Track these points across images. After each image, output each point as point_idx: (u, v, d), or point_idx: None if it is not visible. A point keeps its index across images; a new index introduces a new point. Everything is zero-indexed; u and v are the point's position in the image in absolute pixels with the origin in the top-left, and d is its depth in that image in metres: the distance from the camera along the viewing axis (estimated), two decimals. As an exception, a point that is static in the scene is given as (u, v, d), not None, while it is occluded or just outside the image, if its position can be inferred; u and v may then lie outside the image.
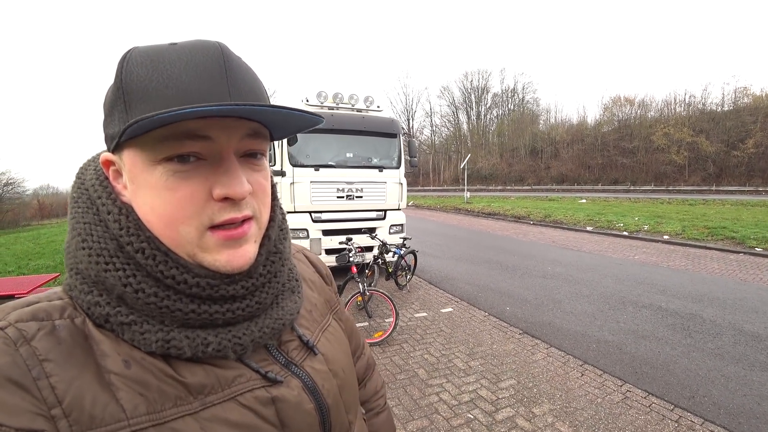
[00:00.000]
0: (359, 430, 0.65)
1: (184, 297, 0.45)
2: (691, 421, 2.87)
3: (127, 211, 0.46)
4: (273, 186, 0.57)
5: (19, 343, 0.39)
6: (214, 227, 0.45)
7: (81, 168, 0.53)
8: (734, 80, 75.13)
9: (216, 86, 0.43)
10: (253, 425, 0.46)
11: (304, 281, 0.67)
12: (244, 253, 0.47)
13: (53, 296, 0.45)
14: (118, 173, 0.47)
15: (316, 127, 0.49)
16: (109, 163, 0.48)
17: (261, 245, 0.52)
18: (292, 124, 0.48)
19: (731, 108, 46.26)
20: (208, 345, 0.46)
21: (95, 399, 0.39)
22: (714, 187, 36.85)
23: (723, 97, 48.67)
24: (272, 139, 0.52)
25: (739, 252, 9.16)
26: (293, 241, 0.68)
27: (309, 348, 0.58)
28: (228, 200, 0.44)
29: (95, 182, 0.49)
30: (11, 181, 42.45)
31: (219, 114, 0.39)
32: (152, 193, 0.43)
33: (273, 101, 0.51)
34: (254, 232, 0.49)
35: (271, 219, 0.55)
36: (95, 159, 0.52)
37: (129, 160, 0.44)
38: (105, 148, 0.48)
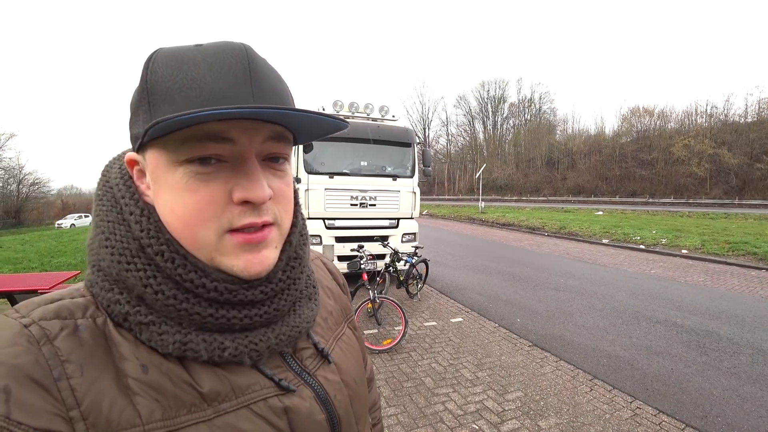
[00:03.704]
0: None
1: (202, 301, 0.45)
2: (702, 440, 2.81)
3: (149, 212, 0.46)
4: (295, 192, 0.56)
5: (41, 342, 0.38)
6: (233, 230, 0.44)
7: (106, 166, 0.53)
8: (758, 91, 72.61)
9: (239, 88, 0.42)
10: None
11: (321, 288, 0.66)
12: (263, 259, 0.46)
13: (76, 293, 0.45)
14: (143, 173, 0.47)
15: (333, 134, 0.49)
16: (133, 163, 0.48)
17: (282, 251, 0.51)
18: (316, 128, 0.48)
19: (755, 119, 45.26)
20: (225, 350, 0.45)
21: (113, 403, 0.39)
22: (736, 201, 35.86)
23: (746, 108, 47.83)
24: (295, 143, 0.51)
25: (761, 268, 8.89)
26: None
27: (323, 357, 0.57)
28: (248, 204, 0.44)
29: (119, 181, 0.49)
30: (37, 181, 44.13)
31: (240, 116, 0.39)
32: (172, 195, 0.43)
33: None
34: (275, 238, 0.48)
35: (293, 225, 0.54)
36: (120, 157, 0.52)
37: (152, 160, 0.44)
38: (130, 146, 0.49)
